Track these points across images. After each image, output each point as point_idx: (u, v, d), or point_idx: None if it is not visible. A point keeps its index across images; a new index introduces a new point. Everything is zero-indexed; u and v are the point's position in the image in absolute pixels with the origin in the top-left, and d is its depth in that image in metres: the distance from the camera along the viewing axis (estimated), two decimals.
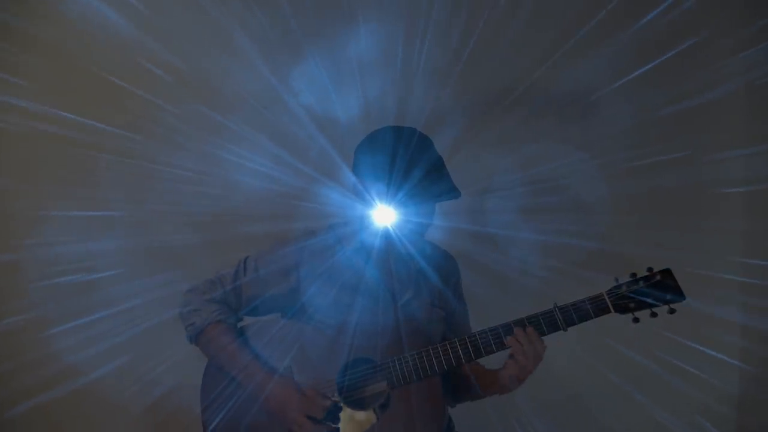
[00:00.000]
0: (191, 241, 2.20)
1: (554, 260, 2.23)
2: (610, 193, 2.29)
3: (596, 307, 1.53)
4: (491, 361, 1.65)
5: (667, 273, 1.52)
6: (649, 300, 1.51)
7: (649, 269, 1.54)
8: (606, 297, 1.53)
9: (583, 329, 1.58)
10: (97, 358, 2.15)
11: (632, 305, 1.53)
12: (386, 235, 1.66)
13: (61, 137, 2.20)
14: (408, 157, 1.60)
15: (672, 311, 1.51)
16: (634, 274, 1.55)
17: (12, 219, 2.26)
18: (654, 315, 1.52)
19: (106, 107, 2.23)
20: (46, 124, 2.20)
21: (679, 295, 1.51)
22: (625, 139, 2.30)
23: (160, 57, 2.20)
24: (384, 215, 1.64)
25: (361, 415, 1.58)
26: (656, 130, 2.30)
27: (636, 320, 1.53)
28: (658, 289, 1.51)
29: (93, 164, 2.24)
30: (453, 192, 1.65)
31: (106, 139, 2.23)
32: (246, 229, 2.12)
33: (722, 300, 2.25)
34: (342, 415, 1.59)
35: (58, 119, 2.20)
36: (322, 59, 2.27)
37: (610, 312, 1.54)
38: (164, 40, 2.21)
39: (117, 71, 2.21)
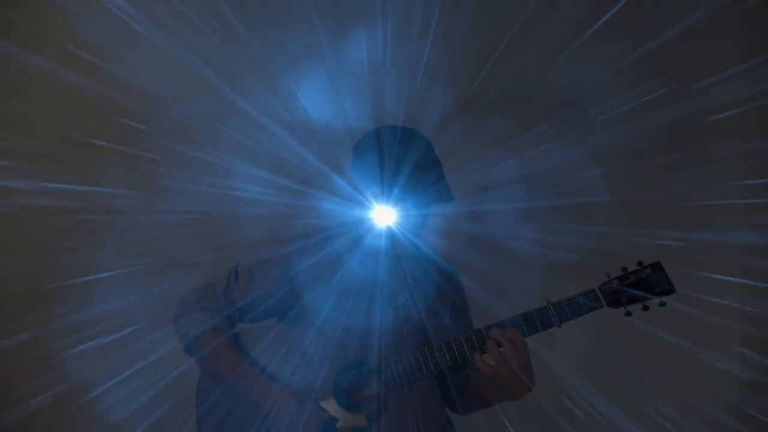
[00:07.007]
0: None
1: (553, 258, 2.24)
2: (609, 191, 2.30)
3: (589, 302, 1.54)
4: None
5: (656, 266, 1.54)
6: (640, 293, 1.53)
7: (639, 263, 1.55)
8: (598, 292, 1.55)
9: (579, 329, 1.60)
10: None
11: (624, 299, 1.54)
12: (383, 237, 1.65)
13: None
14: (406, 157, 1.60)
15: (663, 304, 1.52)
16: (624, 268, 1.56)
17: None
18: (646, 308, 1.53)
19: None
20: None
21: (670, 287, 1.52)
22: (623, 139, 2.32)
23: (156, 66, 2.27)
24: (381, 216, 1.63)
25: (356, 418, 1.60)
26: (656, 137, 2.32)
27: (628, 314, 1.54)
28: (649, 282, 1.53)
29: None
30: (448, 197, 1.65)
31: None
32: (243, 233, 2.16)
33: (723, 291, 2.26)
34: (339, 417, 1.61)
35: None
36: (321, 60, 2.30)
37: (602, 307, 1.55)
38: (163, 48, 2.27)
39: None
